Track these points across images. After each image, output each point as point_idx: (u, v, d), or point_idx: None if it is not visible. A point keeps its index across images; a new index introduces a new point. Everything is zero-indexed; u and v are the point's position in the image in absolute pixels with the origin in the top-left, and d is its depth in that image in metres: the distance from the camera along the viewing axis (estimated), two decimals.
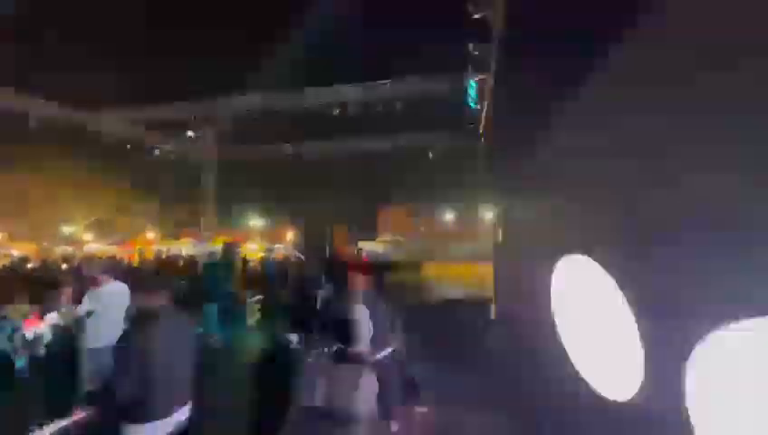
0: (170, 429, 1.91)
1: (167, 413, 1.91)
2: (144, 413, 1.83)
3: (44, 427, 1.89)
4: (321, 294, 4.48)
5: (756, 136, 0.89)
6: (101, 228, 31.27)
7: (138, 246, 28.24)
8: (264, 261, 11.03)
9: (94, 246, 27.83)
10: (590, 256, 1.89)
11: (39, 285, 5.69)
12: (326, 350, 2.94)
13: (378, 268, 10.77)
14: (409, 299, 9.66)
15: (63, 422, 1.91)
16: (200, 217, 11.77)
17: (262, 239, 28.45)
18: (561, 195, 2.42)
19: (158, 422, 1.88)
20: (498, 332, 6.22)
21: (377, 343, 3.16)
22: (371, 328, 3.10)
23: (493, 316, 6.64)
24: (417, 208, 35.82)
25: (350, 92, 7.69)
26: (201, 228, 12.01)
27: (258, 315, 8.93)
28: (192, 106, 8.91)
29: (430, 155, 10.92)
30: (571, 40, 1.97)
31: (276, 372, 2.87)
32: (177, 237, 32.10)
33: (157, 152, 10.05)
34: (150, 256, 23.67)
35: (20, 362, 4.43)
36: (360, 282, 3.41)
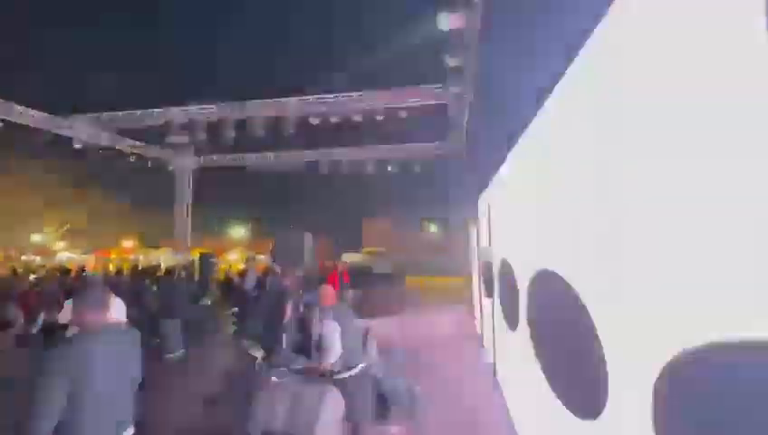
0: None
1: None
2: None
3: None
4: (291, 307, 4.32)
5: (717, 149, 0.85)
6: (72, 236, 30.16)
7: (113, 256, 27.34)
8: (242, 272, 10.71)
9: (66, 255, 26.76)
10: (556, 269, 1.84)
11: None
12: (290, 367, 2.79)
13: (358, 278, 10.68)
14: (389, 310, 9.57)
15: None
16: (179, 226, 11.42)
17: (244, 250, 27.87)
18: (530, 208, 2.38)
19: None
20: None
21: (346, 358, 3.03)
22: (340, 344, 2.97)
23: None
24: (401, 222, 35.88)
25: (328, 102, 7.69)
26: (180, 238, 11.64)
27: (233, 329, 8.64)
28: (168, 112, 8.70)
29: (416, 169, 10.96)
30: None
31: (235, 390, 2.69)
32: (156, 247, 31.25)
33: (132, 159, 9.77)
34: (126, 266, 22.82)
35: None
36: (330, 295, 3.28)
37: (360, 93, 7.29)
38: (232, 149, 10.98)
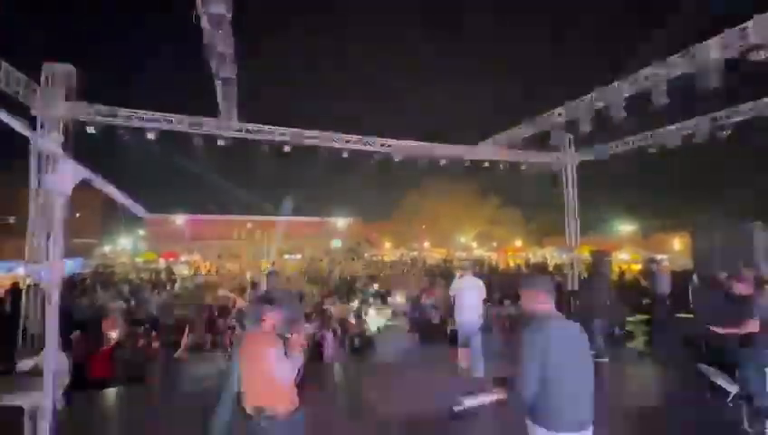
0: None
1: None
2: None
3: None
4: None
5: None
6: (482, 238, 38.42)
7: (508, 253, 32.40)
8: (645, 273, 9.23)
9: (477, 252, 34.70)
10: None
11: None
12: None
13: None
14: None
15: None
16: (563, 224, 11.60)
17: (636, 248, 24.24)
18: None
19: None
20: None
21: None
22: None
23: None
24: None
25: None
26: (566, 236, 11.79)
27: (643, 339, 7.49)
28: (548, 118, 8.98)
29: None
30: None
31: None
32: (540, 245, 33.96)
33: (523, 167, 10.99)
34: (520, 261, 26.17)
35: None
36: None
37: None
38: (619, 135, 9.81)
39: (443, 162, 9.93)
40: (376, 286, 12.88)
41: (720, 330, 3.47)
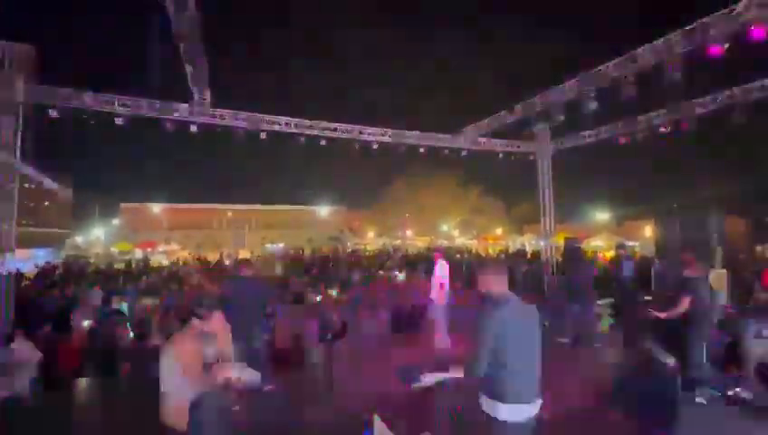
0: None
1: None
2: None
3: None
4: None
5: None
6: (464, 227, 38.95)
7: (488, 240, 33.03)
8: (614, 259, 9.60)
9: (459, 240, 35.19)
10: None
11: None
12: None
13: None
14: None
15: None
16: (540, 213, 11.89)
17: (610, 235, 25.10)
18: None
19: None
20: None
21: None
22: None
23: None
24: None
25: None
26: (541, 224, 12.11)
27: (607, 322, 7.83)
28: (524, 107, 9.08)
29: None
30: None
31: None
32: (520, 233, 34.74)
33: (500, 156, 11.14)
34: (499, 249, 26.71)
35: None
36: None
37: None
38: (590, 125, 10.05)
39: (422, 150, 9.99)
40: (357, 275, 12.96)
41: (659, 314, 3.75)
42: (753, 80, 7.20)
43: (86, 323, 6.53)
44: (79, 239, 30.88)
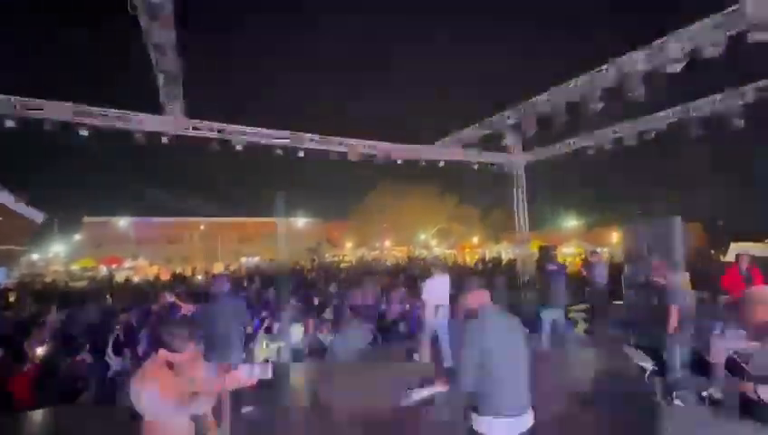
0: None
1: None
2: None
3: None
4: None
5: None
6: (442, 235, 39.36)
7: (465, 249, 33.51)
8: (587, 263, 9.93)
9: (436, 249, 35.51)
10: None
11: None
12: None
13: None
14: None
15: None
16: (515, 221, 12.18)
17: (580, 241, 26.04)
18: None
19: None
20: None
21: None
22: None
23: None
24: None
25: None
26: (516, 232, 12.40)
27: (583, 327, 8.05)
28: (497, 120, 9.29)
29: None
30: None
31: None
32: (496, 241, 35.45)
33: (476, 167, 11.37)
34: (475, 257, 27.06)
35: None
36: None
37: None
38: (563, 136, 10.44)
39: (399, 162, 10.05)
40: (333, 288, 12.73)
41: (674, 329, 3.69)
42: (707, 95, 7.76)
43: (40, 350, 6.02)
44: (35, 256, 28.94)
